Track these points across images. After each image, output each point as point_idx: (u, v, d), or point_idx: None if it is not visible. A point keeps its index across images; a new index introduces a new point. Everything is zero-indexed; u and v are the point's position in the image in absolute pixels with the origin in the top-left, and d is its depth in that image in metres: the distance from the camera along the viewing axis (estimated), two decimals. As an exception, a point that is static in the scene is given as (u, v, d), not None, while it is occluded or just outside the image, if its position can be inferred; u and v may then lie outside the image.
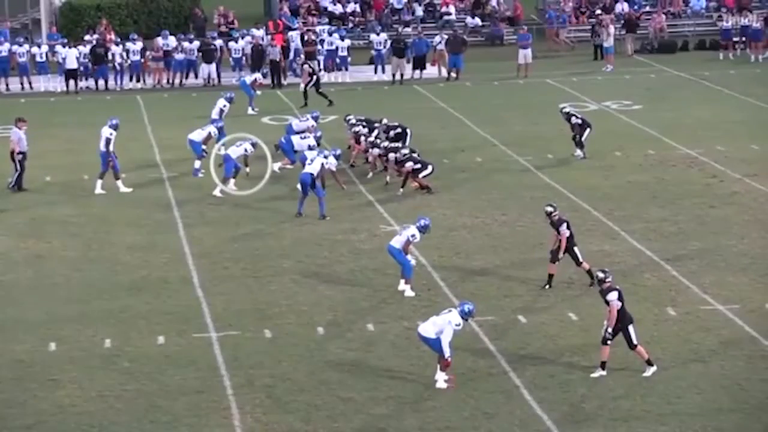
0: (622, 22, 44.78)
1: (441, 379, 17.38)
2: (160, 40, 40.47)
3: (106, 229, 24.99)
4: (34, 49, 39.99)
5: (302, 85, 36.70)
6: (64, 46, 39.51)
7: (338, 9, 46.70)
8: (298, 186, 25.70)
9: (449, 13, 46.72)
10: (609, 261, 22.44)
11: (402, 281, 21.06)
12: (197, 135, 28.65)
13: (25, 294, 21.41)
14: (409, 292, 20.90)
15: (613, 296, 17.61)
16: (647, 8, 47.52)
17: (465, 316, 17.53)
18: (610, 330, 17.56)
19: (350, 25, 44.18)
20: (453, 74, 40.72)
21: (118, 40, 40.94)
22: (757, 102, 36.01)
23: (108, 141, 27.26)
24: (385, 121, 29.76)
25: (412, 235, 20.93)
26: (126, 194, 27.40)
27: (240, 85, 36.74)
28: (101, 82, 39.59)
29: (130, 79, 40.12)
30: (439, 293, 21.12)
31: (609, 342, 17.60)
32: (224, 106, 31.40)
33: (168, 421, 16.52)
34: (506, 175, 28.59)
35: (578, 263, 21.13)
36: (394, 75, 40.25)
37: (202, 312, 20.36)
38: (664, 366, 17.98)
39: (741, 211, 25.53)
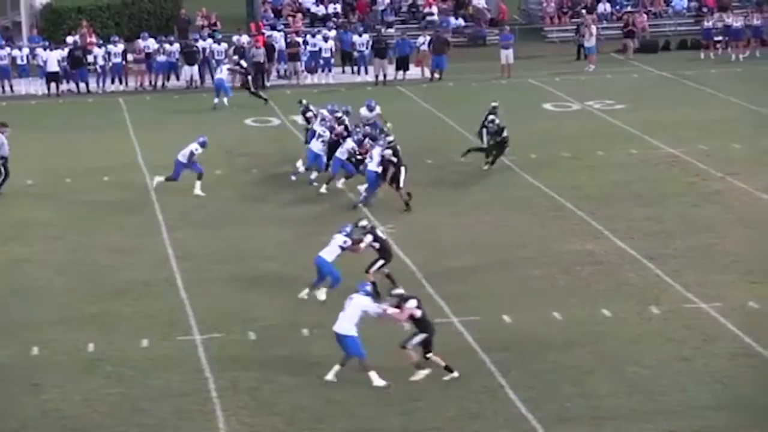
0: (623, 28, 44.43)
1: (418, 375, 17.38)
2: (141, 42, 40.34)
3: (88, 232, 24.91)
4: (15, 52, 39.84)
5: (251, 88, 37.16)
6: (45, 49, 39.37)
7: (321, 10, 46.64)
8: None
9: (432, 14, 46.72)
10: (592, 260, 22.51)
11: (323, 290, 20.48)
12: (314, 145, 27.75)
13: (7, 298, 21.32)
14: (322, 296, 20.45)
15: (412, 303, 17.47)
16: (629, 8, 47.58)
17: (369, 295, 17.70)
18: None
19: (333, 26, 44.07)
20: (436, 75, 40.74)
21: (100, 42, 40.80)
22: (739, 101, 36.11)
23: (192, 154, 26.92)
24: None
25: (344, 241, 20.54)
26: (110, 197, 27.30)
27: (216, 83, 37.00)
28: (82, 85, 39.46)
29: (112, 82, 40.01)
30: (423, 293, 21.09)
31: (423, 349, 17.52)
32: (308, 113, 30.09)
33: (152, 425, 16.49)
34: (489, 175, 28.59)
35: (368, 270, 20.63)
36: (377, 76, 40.25)
37: (186, 314, 20.32)
38: (648, 364, 18.03)
39: (723, 209, 25.61)
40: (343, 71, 41.58)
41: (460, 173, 28.82)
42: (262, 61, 39.49)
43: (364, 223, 20.98)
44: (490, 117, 29.25)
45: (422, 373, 17.50)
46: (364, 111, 29.98)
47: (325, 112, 29.10)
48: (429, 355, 17.59)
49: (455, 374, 17.55)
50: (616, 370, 17.84)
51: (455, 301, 20.62)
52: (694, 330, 19.33)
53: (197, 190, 27.10)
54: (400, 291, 18.05)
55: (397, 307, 17.58)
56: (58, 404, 17.11)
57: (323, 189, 27.06)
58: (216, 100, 36.44)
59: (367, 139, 27.42)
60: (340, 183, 27.21)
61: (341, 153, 27.04)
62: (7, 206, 26.85)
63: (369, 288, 18.22)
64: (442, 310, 20.29)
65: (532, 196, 26.74)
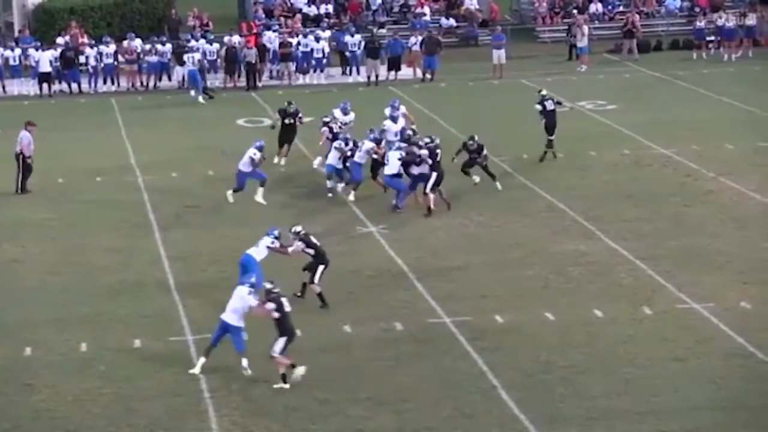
0: (622, 28, 44.23)
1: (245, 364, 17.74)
2: (131, 43, 40.23)
3: (81, 232, 24.87)
4: (7, 53, 39.79)
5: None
6: (37, 50, 39.32)
7: (313, 10, 46.63)
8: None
9: (424, 14, 46.72)
10: (585, 260, 22.53)
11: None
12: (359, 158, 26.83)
13: (1, 298, 21.27)
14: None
15: (270, 306, 17.67)
16: (621, 8, 47.62)
17: (252, 287, 18.18)
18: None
19: (326, 26, 44.06)
20: (428, 75, 40.74)
21: (92, 42, 40.73)
22: (731, 101, 36.16)
23: (252, 161, 25.96)
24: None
25: (272, 242, 20.56)
26: (103, 198, 27.25)
27: (190, 76, 37.85)
28: (74, 85, 39.40)
29: (104, 82, 39.96)
30: (416, 294, 21.13)
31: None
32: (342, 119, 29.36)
33: (145, 425, 16.48)
34: (482, 176, 28.55)
35: (312, 282, 20.62)
36: (369, 76, 40.24)
37: (179, 315, 20.30)
38: (641, 365, 18.06)
39: (716, 209, 25.64)
40: (343, 72, 41.50)
41: (452, 173, 28.78)
42: (253, 62, 39.44)
43: (297, 228, 20.72)
44: (547, 104, 29.43)
45: (300, 371, 17.55)
46: (388, 112, 29.28)
47: (337, 112, 28.87)
48: (275, 355, 17.59)
49: (286, 386, 17.42)
50: (609, 371, 17.86)
51: (447, 302, 20.64)
52: (686, 330, 19.36)
53: (258, 197, 26.25)
54: (269, 286, 18.00)
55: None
56: (51, 404, 17.10)
57: (351, 196, 26.45)
58: (193, 93, 37.33)
59: (383, 141, 26.96)
60: (351, 195, 26.46)
61: (360, 157, 26.47)
62: (0, 207, 26.78)
63: (253, 280, 18.56)
64: (435, 311, 20.32)
65: (525, 196, 26.75)
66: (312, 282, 20.52)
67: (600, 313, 20.10)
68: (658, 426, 16.22)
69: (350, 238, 24.13)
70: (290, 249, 20.60)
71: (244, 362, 17.77)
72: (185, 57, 38.43)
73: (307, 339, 19.19)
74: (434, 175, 25.40)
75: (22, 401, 17.21)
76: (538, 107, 29.75)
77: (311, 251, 20.63)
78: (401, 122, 28.58)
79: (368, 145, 26.66)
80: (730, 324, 19.49)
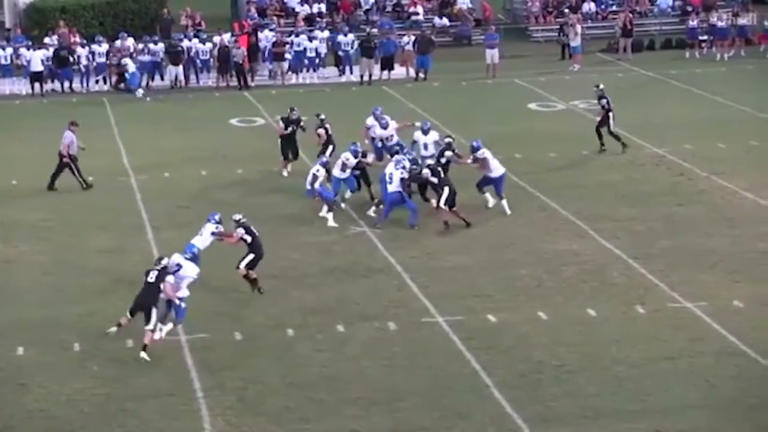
0: (620, 27, 44.18)
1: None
2: (124, 43, 40.20)
3: (74, 233, 24.84)
4: (-1, 52, 39.78)
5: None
6: (28, 49, 39.27)
7: (306, 10, 46.62)
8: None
9: (417, 14, 46.76)
10: (578, 260, 22.56)
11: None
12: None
13: (-7, 298, 21.27)
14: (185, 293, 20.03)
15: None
16: (614, 7, 47.66)
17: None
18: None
19: (323, 26, 44.01)
20: (421, 75, 40.76)
21: (84, 42, 40.68)
22: (724, 100, 36.22)
23: (315, 178, 25.21)
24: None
25: (216, 227, 21.20)
26: (96, 198, 27.23)
27: (129, 80, 38.73)
28: (66, 84, 39.35)
29: (96, 82, 39.91)
30: (410, 293, 21.14)
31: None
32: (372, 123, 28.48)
33: (138, 425, 16.48)
34: (476, 176, 28.55)
35: (238, 266, 21.06)
36: (362, 76, 40.23)
37: (172, 315, 20.24)
38: (634, 364, 18.09)
39: (708, 209, 25.69)
40: (339, 72, 41.33)
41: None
42: (241, 62, 39.32)
43: (237, 216, 21.19)
44: (601, 100, 29.86)
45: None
46: (370, 123, 28.22)
47: (371, 120, 28.07)
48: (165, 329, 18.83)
49: (146, 358, 18.31)
50: (602, 370, 17.88)
51: (441, 301, 20.65)
52: (679, 329, 19.40)
53: (325, 215, 25.22)
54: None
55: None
56: (44, 404, 17.09)
57: (371, 211, 25.52)
58: (139, 93, 38.20)
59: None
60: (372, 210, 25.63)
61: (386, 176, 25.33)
62: (-8, 206, 26.77)
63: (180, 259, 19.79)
64: (428, 310, 20.34)
65: (518, 196, 26.75)
66: (238, 267, 20.88)
67: (593, 313, 20.13)
68: (651, 425, 16.24)
69: (344, 238, 24.13)
70: (235, 235, 21.06)
71: (160, 328, 18.77)
72: (123, 60, 38.82)
73: (301, 339, 19.22)
74: (446, 190, 24.47)
75: (14, 401, 17.20)
76: (603, 101, 29.83)
77: (249, 238, 21.01)
78: (432, 134, 27.58)
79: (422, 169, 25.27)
80: (723, 323, 19.53)
